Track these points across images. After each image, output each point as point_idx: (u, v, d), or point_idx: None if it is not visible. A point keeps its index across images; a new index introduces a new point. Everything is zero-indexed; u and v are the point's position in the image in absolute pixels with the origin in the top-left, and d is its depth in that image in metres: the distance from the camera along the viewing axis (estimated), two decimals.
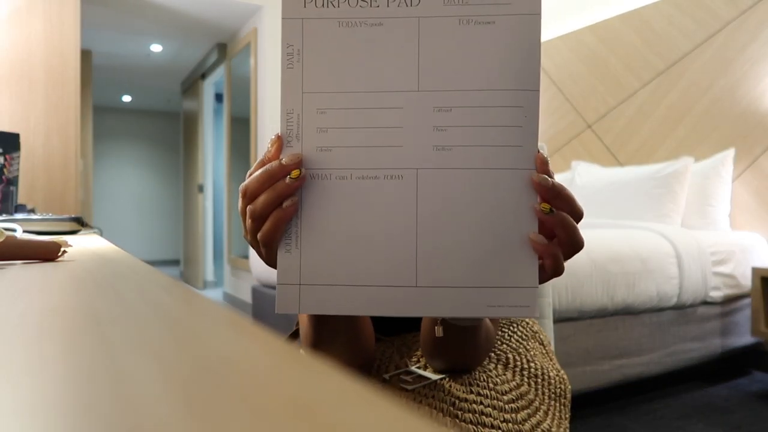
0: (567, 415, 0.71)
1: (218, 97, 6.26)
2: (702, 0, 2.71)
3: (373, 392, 0.15)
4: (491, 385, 0.64)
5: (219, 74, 5.33)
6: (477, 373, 0.65)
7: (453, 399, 0.60)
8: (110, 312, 0.27)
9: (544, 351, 0.77)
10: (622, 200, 2.64)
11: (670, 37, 2.84)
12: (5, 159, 1.48)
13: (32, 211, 1.96)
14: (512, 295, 0.42)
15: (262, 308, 2.81)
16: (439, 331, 0.54)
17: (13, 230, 0.77)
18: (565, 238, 0.44)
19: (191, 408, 0.13)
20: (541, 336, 0.80)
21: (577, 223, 0.44)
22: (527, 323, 0.79)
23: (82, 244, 0.78)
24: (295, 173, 0.43)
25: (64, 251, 0.56)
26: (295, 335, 0.76)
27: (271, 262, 0.46)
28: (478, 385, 0.63)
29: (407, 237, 0.43)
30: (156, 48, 5.22)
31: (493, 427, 0.59)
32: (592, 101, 3.22)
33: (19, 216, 1.17)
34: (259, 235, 0.44)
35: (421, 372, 0.65)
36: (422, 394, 0.61)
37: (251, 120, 4.41)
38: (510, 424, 0.61)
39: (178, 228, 7.82)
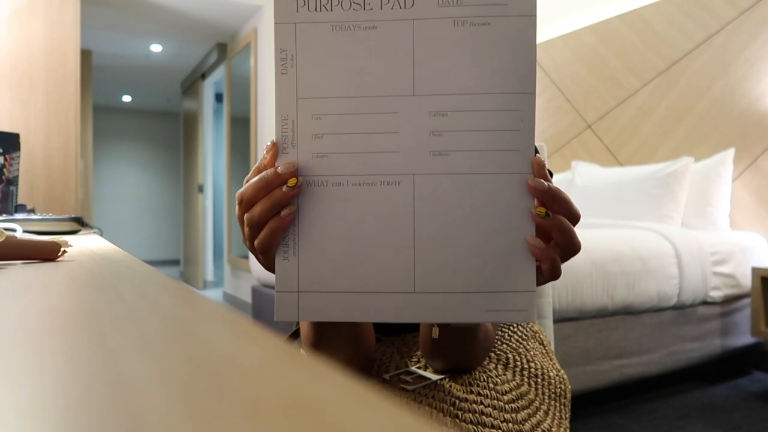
0: (567, 415, 0.71)
1: (218, 97, 6.26)
2: (702, 0, 2.71)
3: (373, 392, 0.15)
4: (491, 385, 0.64)
5: (219, 74, 5.33)
6: (477, 373, 0.65)
7: (453, 399, 0.60)
8: (110, 312, 0.27)
9: (544, 351, 0.77)
10: (622, 200, 2.64)
11: (670, 37, 2.84)
12: (5, 159, 1.48)
13: (32, 211, 1.96)
14: (510, 299, 0.42)
15: (262, 308, 2.81)
16: (435, 333, 0.54)
17: (13, 230, 0.78)
18: (562, 241, 0.43)
19: (191, 408, 0.13)
20: (541, 336, 0.80)
21: (574, 225, 0.44)
22: (527, 323, 0.79)
23: (82, 244, 0.78)
24: (292, 182, 0.43)
25: (64, 251, 0.56)
26: (295, 335, 0.76)
27: (269, 268, 0.46)
28: (478, 385, 0.63)
29: (404, 243, 0.43)
30: (156, 48, 5.21)
31: (493, 427, 0.59)
32: (592, 101, 3.22)
33: (19, 216, 1.17)
34: (256, 243, 0.44)
35: (421, 372, 0.65)
36: (422, 395, 0.61)
37: (251, 120, 4.41)
38: (510, 424, 0.61)
39: (178, 228, 7.82)
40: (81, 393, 0.15)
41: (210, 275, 5.74)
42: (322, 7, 0.43)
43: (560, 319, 1.83)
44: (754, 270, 2.15)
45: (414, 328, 0.75)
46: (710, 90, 2.67)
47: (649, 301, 2.03)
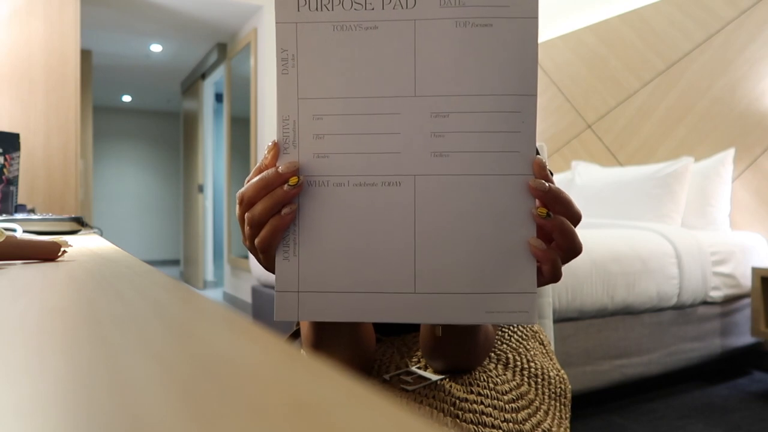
0: (567, 415, 0.71)
1: (218, 97, 6.26)
2: (702, 0, 2.71)
3: (373, 392, 0.15)
4: (491, 385, 0.64)
5: (219, 74, 5.33)
6: (477, 373, 0.65)
7: (453, 399, 0.60)
8: (110, 312, 0.27)
9: (544, 351, 0.77)
10: (622, 200, 2.64)
11: (670, 37, 2.84)
12: (5, 159, 1.48)
13: (32, 211, 1.96)
14: (511, 300, 0.42)
15: (262, 308, 2.81)
16: (438, 331, 0.55)
17: (13, 230, 0.78)
18: (563, 242, 0.43)
19: (191, 408, 0.13)
20: (541, 336, 0.80)
21: (575, 226, 0.44)
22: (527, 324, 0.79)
23: (82, 244, 0.78)
24: (293, 180, 0.43)
25: (64, 251, 0.56)
26: (295, 335, 0.76)
27: (269, 267, 0.46)
28: (478, 385, 0.63)
29: (405, 243, 0.43)
30: (156, 48, 5.21)
31: (493, 426, 0.59)
32: (592, 101, 3.22)
33: (19, 216, 1.17)
34: (256, 242, 0.44)
35: (421, 372, 0.65)
36: (423, 395, 0.61)
37: (251, 120, 4.41)
38: (510, 424, 0.61)
39: (178, 228, 7.83)
40: (81, 393, 0.15)
41: (210, 275, 5.74)
42: (323, 6, 0.43)
43: (560, 319, 1.83)
44: (754, 270, 2.15)
45: (414, 328, 0.75)
46: (710, 90, 2.67)
47: (649, 301, 2.03)
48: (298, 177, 0.43)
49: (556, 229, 0.43)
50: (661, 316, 2.10)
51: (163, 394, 0.14)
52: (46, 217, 1.15)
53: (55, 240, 0.55)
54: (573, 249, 0.44)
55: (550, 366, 0.74)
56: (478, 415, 0.59)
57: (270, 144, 0.44)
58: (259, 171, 0.44)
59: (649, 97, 2.92)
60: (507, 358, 0.70)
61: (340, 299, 0.43)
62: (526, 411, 0.64)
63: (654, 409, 1.96)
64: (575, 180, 2.96)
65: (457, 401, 0.60)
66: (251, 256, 2.89)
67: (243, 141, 4.95)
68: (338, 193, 0.43)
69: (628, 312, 2.00)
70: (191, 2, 4.04)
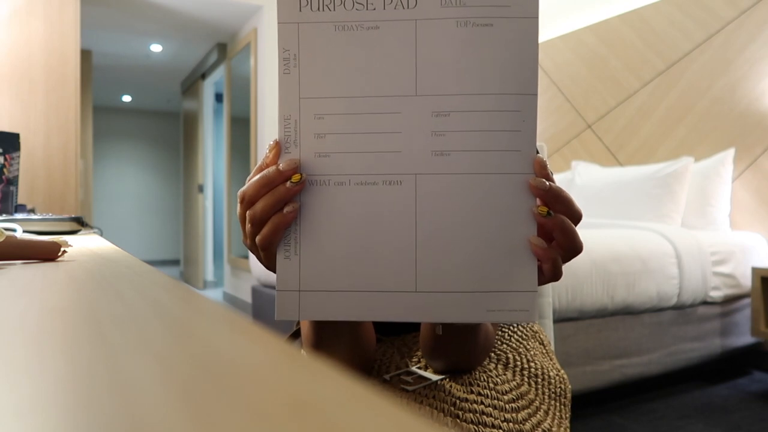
0: (567, 415, 0.71)
1: (218, 97, 6.26)
2: (702, 0, 2.71)
3: (373, 392, 0.15)
4: (491, 384, 0.64)
5: (219, 74, 5.33)
6: (477, 373, 0.65)
7: (454, 399, 0.60)
8: (110, 312, 0.27)
9: (544, 351, 0.77)
10: (622, 200, 2.64)
11: (670, 37, 2.84)
12: (5, 159, 1.48)
13: (32, 211, 1.96)
14: (512, 299, 0.43)
15: (262, 308, 2.81)
16: (438, 329, 0.55)
17: (13, 230, 0.78)
18: (563, 241, 0.43)
19: (191, 408, 0.13)
20: (541, 336, 0.80)
21: (576, 225, 0.44)
22: (527, 323, 0.79)
23: (82, 244, 0.78)
24: (295, 178, 0.43)
25: (64, 251, 0.56)
26: (295, 335, 0.76)
27: (270, 266, 0.46)
28: (478, 385, 0.63)
29: (406, 242, 0.43)
30: (156, 48, 5.21)
31: (494, 426, 0.59)
32: (592, 101, 3.22)
33: (19, 216, 1.17)
34: (258, 239, 0.44)
35: (421, 372, 0.65)
36: (423, 395, 0.61)
37: (251, 120, 4.41)
38: (511, 424, 0.61)
39: (178, 228, 7.82)
40: (81, 393, 0.15)
41: (210, 275, 5.73)
42: (325, 6, 0.43)
43: (560, 319, 1.83)
44: (754, 270, 2.15)
45: (414, 328, 0.75)
46: (710, 90, 2.67)
47: (649, 301, 2.02)
48: (301, 174, 0.43)
49: (556, 228, 0.43)
50: (661, 316, 2.10)
51: (163, 394, 0.14)
52: (46, 217, 1.15)
53: (55, 240, 0.55)
54: (573, 248, 0.44)
55: (550, 366, 0.74)
56: (478, 415, 0.59)
57: (272, 143, 0.44)
58: (261, 170, 0.44)
59: (649, 97, 2.92)
60: (507, 358, 0.70)
61: (341, 298, 0.43)
62: (526, 411, 0.64)
63: (654, 409, 1.96)
64: (575, 180, 2.96)
65: (457, 401, 0.60)
66: (251, 256, 2.89)
67: (243, 141, 4.95)
68: (339, 192, 0.43)
69: (628, 312, 2.00)
70: (191, 2, 4.04)
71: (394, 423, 0.13)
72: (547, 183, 0.42)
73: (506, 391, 0.64)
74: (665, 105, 2.85)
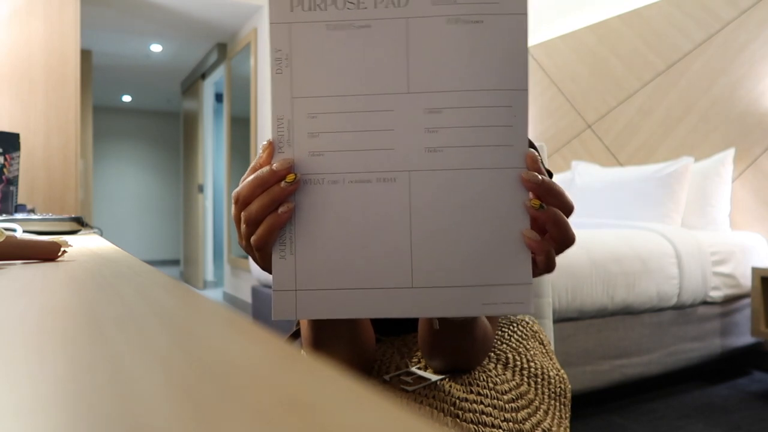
0: (567, 415, 0.71)
1: (218, 97, 6.26)
2: (702, 0, 2.71)
3: (373, 392, 0.15)
4: (491, 384, 0.64)
5: (219, 74, 5.33)
6: (477, 373, 0.65)
7: (453, 399, 0.60)
8: (110, 312, 0.27)
9: (544, 350, 0.77)
10: (622, 200, 2.64)
11: (670, 37, 2.84)
12: (5, 159, 1.48)
13: (32, 211, 1.96)
14: (507, 292, 0.43)
15: (262, 308, 2.81)
16: (435, 324, 0.55)
17: (13, 230, 0.78)
18: (556, 233, 0.44)
19: (191, 408, 0.13)
20: (541, 336, 0.80)
21: (568, 217, 0.45)
22: (527, 323, 0.79)
23: (82, 244, 0.78)
24: (290, 177, 0.43)
25: (64, 251, 0.56)
26: (295, 335, 0.76)
27: (266, 266, 0.46)
28: (477, 385, 0.63)
29: (401, 239, 0.43)
30: (156, 48, 5.21)
31: (493, 426, 0.59)
32: (592, 101, 3.22)
33: (19, 216, 1.17)
34: (253, 239, 0.44)
35: (421, 373, 0.65)
36: (423, 395, 0.61)
37: (251, 120, 4.41)
38: (510, 424, 0.61)
39: (178, 228, 7.83)
40: (81, 393, 0.15)
41: (210, 275, 5.73)
42: (317, 6, 0.43)
43: (560, 319, 1.83)
44: (754, 270, 2.15)
45: (414, 328, 0.75)
46: (710, 90, 2.67)
47: (649, 301, 2.02)
48: (295, 174, 0.43)
49: (549, 221, 0.43)
50: (661, 316, 2.10)
51: (163, 394, 0.14)
52: (46, 217, 1.15)
53: (55, 240, 0.55)
54: (566, 239, 0.45)
55: (550, 366, 0.74)
56: (477, 414, 0.59)
57: (265, 143, 0.44)
58: (254, 170, 0.44)
59: (649, 97, 2.92)
60: (507, 358, 0.70)
61: (337, 296, 0.43)
62: (525, 411, 0.64)
63: (654, 409, 1.96)
64: (575, 180, 2.96)
65: (457, 401, 0.60)
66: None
67: (243, 141, 4.95)
68: (333, 191, 0.43)
69: (628, 312, 2.00)
70: (191, 2, 4.04)
71: (394, 423, 0.13)
72: (539, 176, 0.43)
73: (506, 391, 0.64)
74: (665, 105, 2.85)
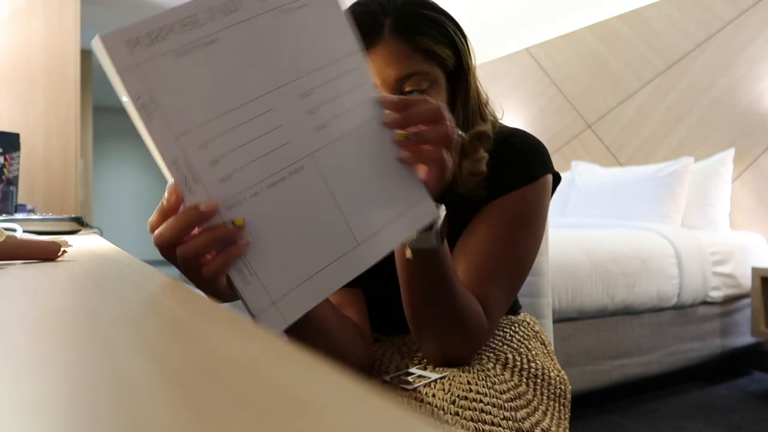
0: (567, 416, 0.71)
1: None
2: (702, 0, 2.71)
3: (373, 392, 0.15)
4: (489, 384, 0.64)
5: None
6: (476, 372, 0.65)
7: (453, 397, 0.60)
8: (110, 312, 0.27)
9: (545, 351, 0.77)
10: (622, 200, 2.64)
11: (670, 37, 2.84)
12: (5, 159, 1.48)
13: (32, 211, 1.96)
14: (417, 211, 0.52)
15: None
16: (408, 253, 0.58)
17: (13, 230, 0.78)
18: (430, 151, 0.50)
19: (191, 408, 0.13)
20: (542, 336, 0.80)
21: (439, 118, 0.50)
22: (528, 323, 0.79)
23: (82, 244, 0.78)
24: (238, 222, 0.43)
25: (64, 251, 0.56)
26: None
27: (218, 294, 0.46)
28: (477, 384, 0.63)
29: (331, 211, 0.47)
30: None
31: (493, 424, 0.59)
32: (592, 101, 3.22)
33: (19, 216, 1.17)
34: (206, 272, 0.43)
35: (421, 372, 0.65)
36: (423, 393, 0.61)
37: None
38: (510, 422, 0.61)
39: None
40: (81, 393, 0.15)
41: None
42: (155, 39, 0.41)
43: (560, 319, 1.83)
44: (754, 270, 2.15)
45: None
46: (710, 90, 2.67)
47: (649, 301, 2.02)
48: (242, 219, 0.43)
49: (419, 143, 0.50)
50: (661, 316, 2.10)
51: (162, 393, 0.14)
52: (46, 217, 1.15)
53: (55, 240, 0.55)
54: (444, 137, 0.50)
55: (551, 366, 0.74)
56: (477, 412, 0.59)
57: (170, 186, 0.42)
58: (163, 213, 0.43)
59: (649, 97, 2.92)
60: (506, 359, 0.70)
61: (308, 287, 0.46)
62: (524, 410, 0.64)
63: (654, 409, 1.96)
64: (575, 180, 2.96)
65: (457, 399, 0.60)
66: None
67: None
68: (258, 202, 0.44)
69: (628, 312, 2.00)
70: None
71: (394, 422, 0.13)
72: (393, 96, 0.51)
73: (504, 391, 0.64)
74: (665, 105, 2.85)
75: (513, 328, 0.76)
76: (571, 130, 3.34)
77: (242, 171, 0.44)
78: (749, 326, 2.32)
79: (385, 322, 0.76)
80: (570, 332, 1.85)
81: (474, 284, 0.66)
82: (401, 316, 0.66)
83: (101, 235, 1.20)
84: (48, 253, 0.54)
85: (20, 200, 2.57)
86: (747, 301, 2.35)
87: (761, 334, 2.15)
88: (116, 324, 0.24)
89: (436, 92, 0.67)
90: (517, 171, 0.70)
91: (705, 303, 2.24)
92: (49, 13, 2.77)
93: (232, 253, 0.43)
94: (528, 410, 0.65)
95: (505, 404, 0.62)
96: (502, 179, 0.70)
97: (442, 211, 0.55)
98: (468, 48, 0.71)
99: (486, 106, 0.74)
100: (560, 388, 0.72)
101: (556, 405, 0.70)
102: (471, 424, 0.58)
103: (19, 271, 0.46)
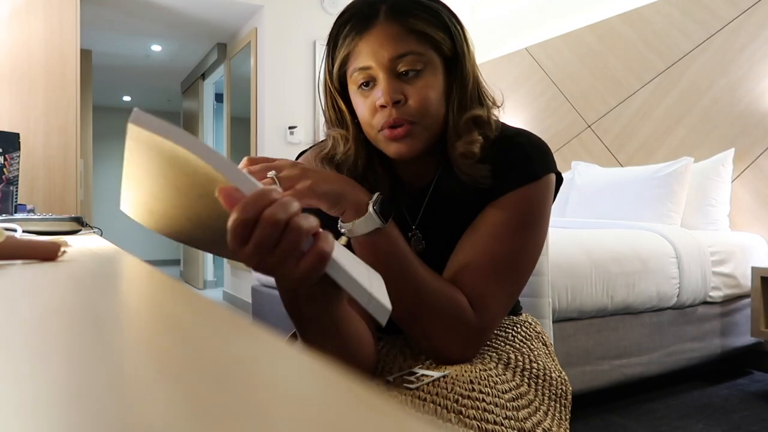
0: (567, 416, 0.71)
1: (218, 97, 6.25)
2: (702, 0, 2.71)
3: (373, 392, 0.15)
4: (492, 383, 0.64)
5: (219, 74, 5.32)
6: (478, 371, 0.65)
7: (456, 396, 0.60)
8: (110, 312, 0.27)
9: (547, 352, 0.77)
10: (622, 200, 2.64)
11: (670, 37, 2.84)
12: (5, 159, 1.48)
13: (32, 211, 1.96)
14: None
15: (262, 308, 2.81)
16: (343, 240, 0.62)
17: (13, 230, 0.78)
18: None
19: (191, 408, 0.13)
20: (544, 337, 0.80)
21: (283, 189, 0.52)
22: (530, 324, 0.79)
23: (82, 244, 0.78)
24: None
25: (64, 251, 0.56)
26: (296, 335, 0.76)
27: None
28: (479, 384, 0.63)
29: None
30: (156, 48, 5.21)
31: (495, 423, 0.59)
32: (592, 101, 3.22)
33: (19, 216, 1.17)
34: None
35: (423, 371, 0.65)
36: (426, 392, 0.61)
37: (251, 120, 4.41)
38: (512, 422, 0.61)
39: None
40: (81, 393, 0.15)
41: (210, 275, 5.73)
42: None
43: (560, 319, 1.83)
44: (754, 270, 2.15)
45: None
46: (710, 90, 2.67)
47: (649, 301, 2.02)
48: None
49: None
50: (661, 316, 2.10)
51: (162, 393, 0.14)
52: (46, 217, 1.15)
53: (54, 240, 0.55)
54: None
55: (553, 367, 0.74)
56: (480, 411, 0.60)
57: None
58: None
59: (649, 97, 2.92)
60: (509, 359, 0.70)
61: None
62: (526, 410, 0.64)
63: (654, 409, 1.96)
64: (575, 180, 2.95)
65: (460, 398, 0.60)
66: None
67: (243, 141, 4.95)
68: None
69: (627, 312, 2.00)
70: (191, 2, 4.04)
71: (394, 423, 0.13)
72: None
73: (506, 391, 0.64)
74: (665, 105, 2.85)
75: (515, 328, 0.76)
76: (571, 130, 3.34)
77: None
78: (749, 326, 2.32)
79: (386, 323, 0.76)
80: (570, 332, 1.85)
81: (473, 281, 0.66)
82: None
83: (101, 235, 1.20)
84: (48, 253, 0.54)
85: (20, 200, 2.57)
86: (747, 301, 2.35)
87: (761, 334, 2.15)
88: (116, 324, 0.24)
89: (432, 74, 0.68)
90: (520, 170, 0.71)
91: (705, 303, 2.24)
92: (49, 13, 2.77)
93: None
94: (529, 410, 0.65)
95: (507, 404, 0.62)
96: (505, 178, 0.70)
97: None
98: (463, 34, 0.71)
99: (484, 92, 0.74)
100: (561, 388, 0.72)
101: (557, 405, 0.70)
102: (473, 423, 0.58)
103: (19, 271, 0.45)
